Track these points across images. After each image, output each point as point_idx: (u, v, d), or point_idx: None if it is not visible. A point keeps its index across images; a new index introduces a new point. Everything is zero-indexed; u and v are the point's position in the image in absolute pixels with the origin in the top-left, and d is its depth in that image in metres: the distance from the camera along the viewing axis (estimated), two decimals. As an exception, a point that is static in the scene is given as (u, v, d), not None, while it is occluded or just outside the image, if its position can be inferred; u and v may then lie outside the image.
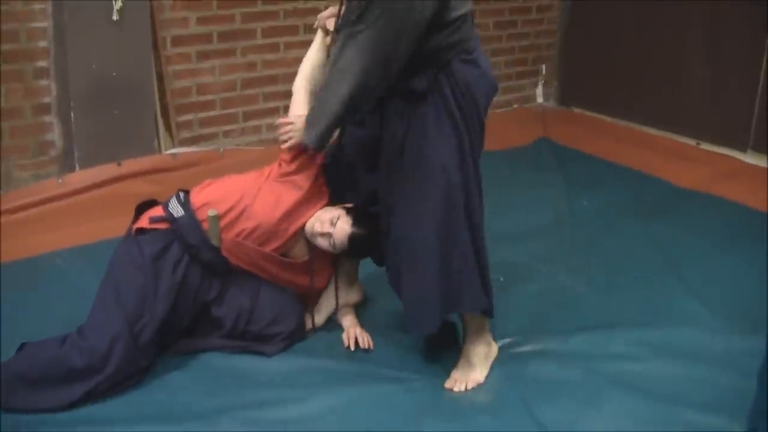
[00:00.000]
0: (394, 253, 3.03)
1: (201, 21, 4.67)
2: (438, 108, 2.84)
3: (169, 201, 3.12)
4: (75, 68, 4.23)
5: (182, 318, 3.02)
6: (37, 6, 4.18)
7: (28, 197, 4.23)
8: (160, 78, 4.59)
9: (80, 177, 4.39)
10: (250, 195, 3.09)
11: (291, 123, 3.09)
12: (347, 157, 3.17)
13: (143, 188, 4.45)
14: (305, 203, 3.13)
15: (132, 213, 4.10)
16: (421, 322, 2.98)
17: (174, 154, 4.70)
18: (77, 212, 4.23)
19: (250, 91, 4.96)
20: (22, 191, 4.28)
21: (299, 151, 3.09)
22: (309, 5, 5.01)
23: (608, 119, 6.07)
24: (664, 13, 5.70)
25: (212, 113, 4.88)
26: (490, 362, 3.12)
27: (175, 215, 3.05)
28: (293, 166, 3.11)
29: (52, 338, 2.88)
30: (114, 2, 4.19)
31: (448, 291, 2.94)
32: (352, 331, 3.24)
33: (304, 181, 3.13)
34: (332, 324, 3.36)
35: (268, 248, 3.09)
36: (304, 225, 3.13)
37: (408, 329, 3.06)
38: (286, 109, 4.83)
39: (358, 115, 2.93)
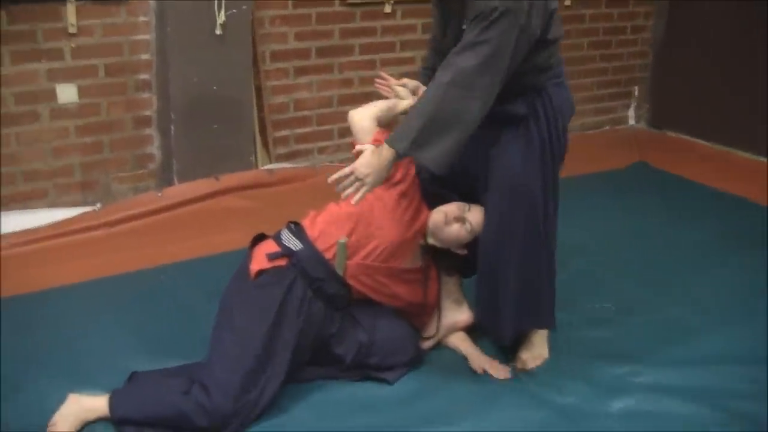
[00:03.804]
0: (479, 273, 3.07)
1: (299, 36, 4.64)
2: (530, 131, 2.86)
3: (280, 235, 3.02)
4: (176, 81, 4.21)
5: (303, 356, 2.93)
6: (140, 19, 4.17)
7: (128, 210, 4.22)
8: (258, 93, 4.56)
9: (179, 190, 4.37)
10: (366, 215, 3.02)
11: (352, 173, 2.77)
12: (441, 185, 3.13)
13: (240, 204, 4.44)
14: (416, 209, 3.08)
15: (228, 229, 4.15)
16: (497, 335, 3.12)
17: (270, 170, 4.66)
18: (175, 227, 4.20)
19: (346, 108, 4.87)
20: (121, 204, 4.27)
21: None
22: (406, 22, 4.95)
23: (702, 142, 5.90)
24: (762, 34, 5.52)
25: (308, 129, 4.84)
26: (546, 340, 3.22)
27: (294, 249, 2.94)
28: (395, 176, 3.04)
29: (174, 377, 2.82)
30: (217, 16, 4.15)
31: (524, 309, 3.03)
32: (483, 360, 3.17)
33: (407, 187, 3.07)
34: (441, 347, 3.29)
35: (393, 264, 3.02)
36: (422, 230, 3.06)
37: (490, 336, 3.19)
38: None
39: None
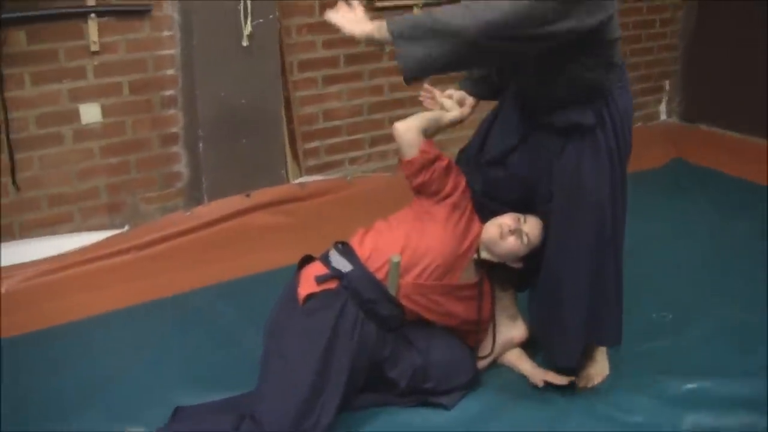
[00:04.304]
0: (541, 289, 2.95)
1: (327, 44, 4.49)
2: (598, 140, 2.74)
3: (328, 255, 2.89)
4: (203, 96, 4.07)
5: (358, 381, 2.79)
6: (165, 33, 4.03)
7: (157, 232, 4.06)
8: (287, 104, 4.42)
9: (209, 209, 4.22)
10: (416, 231, 2.88)
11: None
12: (493, 196, 3.02)
13: (273, 220, 4.32)
14: (468, 221, 2.95)
15: (263, 247, 4.01)
16: (563, 356, 2.97)
17: (302, 184, 4.52)
18: (207, 247, 4.06)
19: (376, 116, 4.77)
20: (150, 225, 4.12)
21: (419, 163, 2.88)
22: (434, 24, 4.80)
23: (738, 135, 5.74)
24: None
25: (338, 140, 4.70)
26: (606, 355, 3.10)
27: (344, 270, 2.81)
28: (425, 176, 2.90)
29: (221, 412, 2.71)
30: (243, 27, 4.01)
31: (592, 326, 2.91)
32: (537, 372, 3.04)
33: (458, 199, 2.93)
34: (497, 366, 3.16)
35: (447, 281, 2.88)
36: (475, 244, 2.92)
37: (554, 361, 3.03)
38: None
39: (470, 65, 2.67)
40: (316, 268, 2.87)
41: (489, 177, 2.98)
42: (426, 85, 3.05)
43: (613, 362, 3.10)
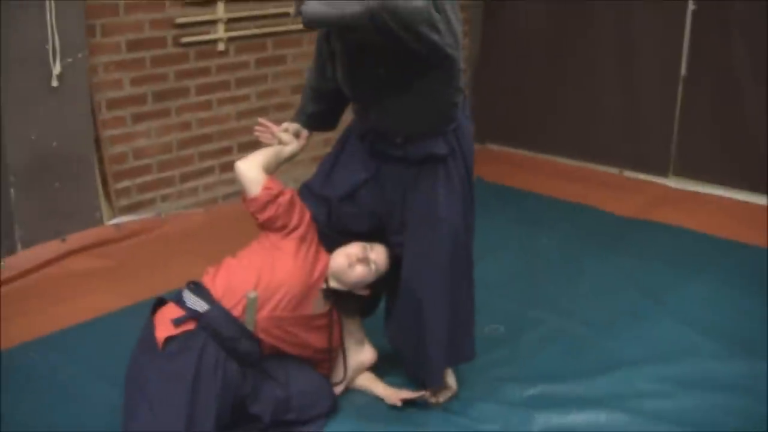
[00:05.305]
0: (401, 315, 3.04)
1: (135, 82, 4.41)
2: (450, 170, 2.87)
3: (182, 297, 2.84)
4: (12, 140, 3.89)
5: (223, 420, 2.75)
6: (-33, 76, 3.84)
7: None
8: (98, 144, 4.29)
9: (23, 258, 4.02)
10: (268, 265, 2.89)
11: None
12: (339, 228, 3.08)
13: (90, 264, 4.19)
14: (315, 252, 2.99)
15: (84, 293, 3.88)
16: (431, 377, 3.05)
17: (117, 225, 4.41)
18: (26, 297, 3.85)
19: (186, 152, 4.72)
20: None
21: (264, 200, 2.91)
22: (239, 59, 4.84)
23: (528, 153, 6.11)
24: (575, 45, 5.81)
25: (149, 178, 4.61)
26: (451, 370, 3.17)
27: (200, 310, 2.78)
28: (271, 212, 2.93)
29: None
30: (53, 67, 3.88)
31: (453, 344, 3.01)
32: (392, 392, 3.12)
33: (305, 231, 2.97)
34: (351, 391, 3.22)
35: (300, 312, 2.91)
36: (324, 274, 2.97)
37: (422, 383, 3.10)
38: (222, 167, 4.75)
39: (354, 34, 2.66)
40: (172, 311, 2.82)
41: (339, 212, 3.04)
42: (261, 120, 3.09)
43: (458, 376, 3.21)
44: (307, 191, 3.11)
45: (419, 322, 2.95)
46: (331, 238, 3.06)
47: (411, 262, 2.92)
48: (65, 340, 3.53)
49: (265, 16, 4.89)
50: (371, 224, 2.99)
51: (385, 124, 2.85)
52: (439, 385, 3.08)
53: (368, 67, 2.74)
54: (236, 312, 2.80)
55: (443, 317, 2.94)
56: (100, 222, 4.35)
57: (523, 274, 4.26)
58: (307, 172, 3.46)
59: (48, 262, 4.08)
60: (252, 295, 2.79)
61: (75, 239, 4.22)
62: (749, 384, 3.26)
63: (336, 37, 2.79)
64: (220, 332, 2.75)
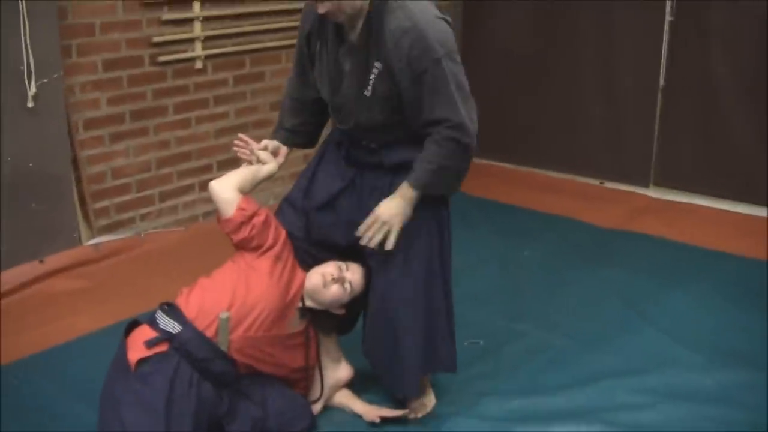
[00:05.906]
0: (376, 327, 3.00)
1: (112, 101, 4.39)
2: None
3: (155, 318, 2.81)
4: (-11, 162, 3.87)
5: None
6: (-59, 98, 3.82)
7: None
8: (75, 164, 4.27)
9: (1, 280, 3.98)
10: (242, 285, 2.87)
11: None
12: (319, 240, 3.06)
13: (70, 284, 4.15)
14: (291, 271, 2.96)
15: (63, 314, 3.85)
16: (407, 388, 3.03)
17: (96, 245, 4.38)
18: (5, 319, 3.81)
19: (164, 171, 4.70)
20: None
21: (237, 221, 2.88)
22: (217, 77, 4.83)
23: (508, 166, 6.12)
24: (554, 59, 5.83)
25: (128, 197, 4.59)
26: (428, 384, 3.17)
27: (173, 331, 2.75)
28: (245, 232, 2.89)
29: None
30: (28, 88, 3.86)
31: (428, 355, 2.99)
32: (371, 410, 3.11)
33: (280, 250, 2.95)
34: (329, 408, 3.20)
35: (275, 332, 2.89)
36: (300, 292, 2.95)
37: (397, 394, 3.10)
38: (201, 185, 4.73)
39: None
40: (144, 332, 2.79)
41: (317, 223, 3.01)
42: (241, 135, 3.04)
43: (437, 391, 3.20)
44: (286, 205, 3.09)
45: (392, 329, 2.92)
46: (310, 253, 3.04)
47: (383, 266, 2.89)
48: (45, 361, 3.51)
49: (242, 34, 4.88)
50: (349, 235, 2.95)
51: (361, 126, 2.83)
52: (415, 396, 3.06)
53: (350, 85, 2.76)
54: (210, 332, 2.77)
55: (417, 323, 2.92)
56: (78, 242, 4.32)
57: (506, 286, 4.25)
58: (286, 188, 3.44)
59: (26, 284, 4.05)
60: (224, 315, 2.77)
61: (53, 260, 4.18)
62: (731, 395, 3.26)
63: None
64: (193, 353, 2.72)
